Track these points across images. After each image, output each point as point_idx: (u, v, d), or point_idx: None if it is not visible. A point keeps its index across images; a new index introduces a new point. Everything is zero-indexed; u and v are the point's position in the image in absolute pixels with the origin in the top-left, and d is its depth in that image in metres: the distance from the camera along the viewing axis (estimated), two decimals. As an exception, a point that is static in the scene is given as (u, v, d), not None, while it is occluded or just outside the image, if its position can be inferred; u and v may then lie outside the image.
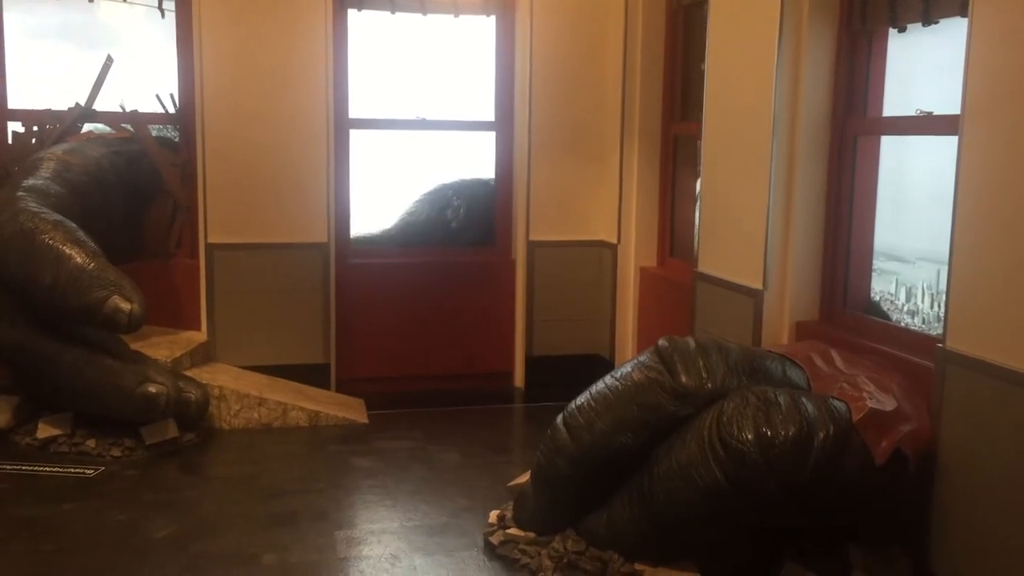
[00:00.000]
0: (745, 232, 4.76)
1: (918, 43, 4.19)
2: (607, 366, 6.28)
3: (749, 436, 3.35)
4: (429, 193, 7.04)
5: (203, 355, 6.09)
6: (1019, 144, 3.20)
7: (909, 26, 4.07)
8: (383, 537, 4.27)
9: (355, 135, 6.60)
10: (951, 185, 3.48)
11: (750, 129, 4.69)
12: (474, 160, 7.01)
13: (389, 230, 6.95)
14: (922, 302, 4.53)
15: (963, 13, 3.55)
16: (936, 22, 3.90)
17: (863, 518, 3.67)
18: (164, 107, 6.25)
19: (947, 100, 3.73)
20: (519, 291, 6.83)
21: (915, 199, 4.58)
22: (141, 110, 6.24)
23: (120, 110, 6.20)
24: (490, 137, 6.87)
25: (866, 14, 4.27)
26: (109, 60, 6.08)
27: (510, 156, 6.84)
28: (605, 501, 3.85)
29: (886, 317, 4.51)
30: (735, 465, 3.35)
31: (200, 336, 6.19)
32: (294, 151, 6.22)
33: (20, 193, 5.23)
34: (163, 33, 6.27)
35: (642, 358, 3.83)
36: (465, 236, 6.99)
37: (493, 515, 4.25)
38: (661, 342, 3.81)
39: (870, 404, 3.49)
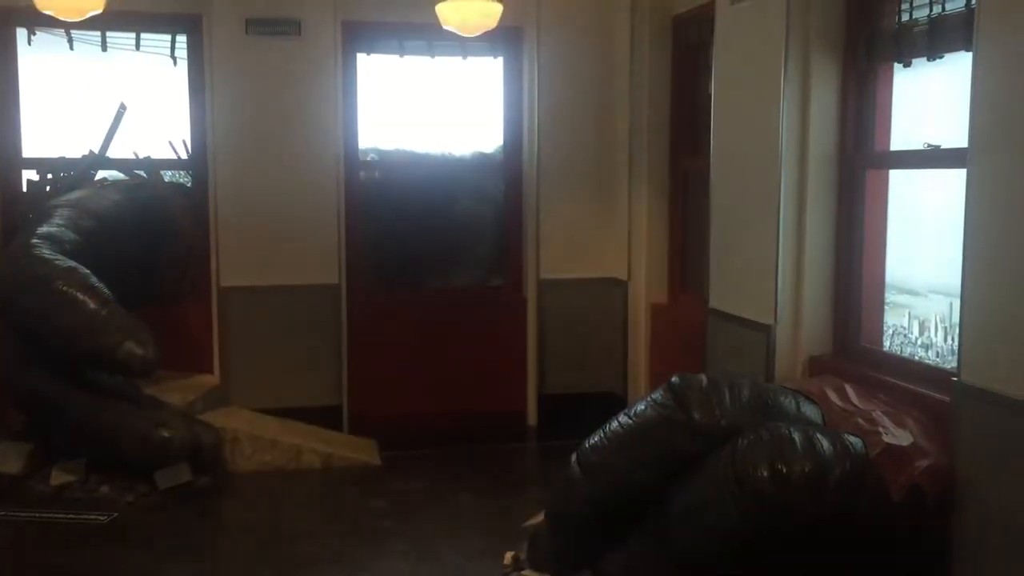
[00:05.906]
0: (756, 267, 4.75)
1: (924, 78, 4.21)
2: (620, 403, 6.25)
3: (764, 473, 3.32)
4: (438, 231, 7.05)
5: (216, 399, 6.08)
6: (1027, 176, 3.20)
7: (914, 61, 4.09)
8: (398, 580, 4.24)
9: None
10: (960, 218, 3.48)
11: (758, 165, 4.71)
12: (483, 195, 7.07)
13: (400, 270, 6.97)
14: (935, 335, 4.51)
15: (967, 48, 3.57)
16: (941, 57, 3.92)
17: (881, 555, 3.63)
18: (177, 153, 6.32)
19: (954, 134, 3.75)
20: (531, 329, 6.81)
21: (925, 232, 4.58)
22: (154, 156, 6.31)
23: (133, 156, 6.26)
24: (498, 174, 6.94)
25: (871, 50, 4.30)
26: (122, 107, 6.15)
27: (519, 194, 6.85)
28: (620, 540, 3.81)
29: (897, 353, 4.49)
30: (751, 502, 3.32)
31: (213, 380, 6.21)
32: (305, 194, 6.26)
33: (34, 240, 5.28)
34: (175, 81, 6.36)
35: (655, 395, 3.81)
36: (475, 274, 6.99)
37: (508, 556, 4.22)
38: (674, 379, 3.79)
39: (886, 439, 3.46)
